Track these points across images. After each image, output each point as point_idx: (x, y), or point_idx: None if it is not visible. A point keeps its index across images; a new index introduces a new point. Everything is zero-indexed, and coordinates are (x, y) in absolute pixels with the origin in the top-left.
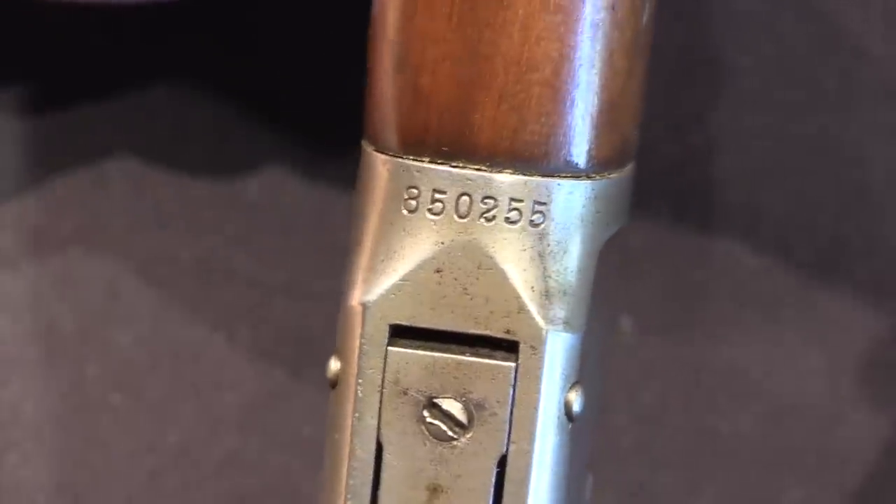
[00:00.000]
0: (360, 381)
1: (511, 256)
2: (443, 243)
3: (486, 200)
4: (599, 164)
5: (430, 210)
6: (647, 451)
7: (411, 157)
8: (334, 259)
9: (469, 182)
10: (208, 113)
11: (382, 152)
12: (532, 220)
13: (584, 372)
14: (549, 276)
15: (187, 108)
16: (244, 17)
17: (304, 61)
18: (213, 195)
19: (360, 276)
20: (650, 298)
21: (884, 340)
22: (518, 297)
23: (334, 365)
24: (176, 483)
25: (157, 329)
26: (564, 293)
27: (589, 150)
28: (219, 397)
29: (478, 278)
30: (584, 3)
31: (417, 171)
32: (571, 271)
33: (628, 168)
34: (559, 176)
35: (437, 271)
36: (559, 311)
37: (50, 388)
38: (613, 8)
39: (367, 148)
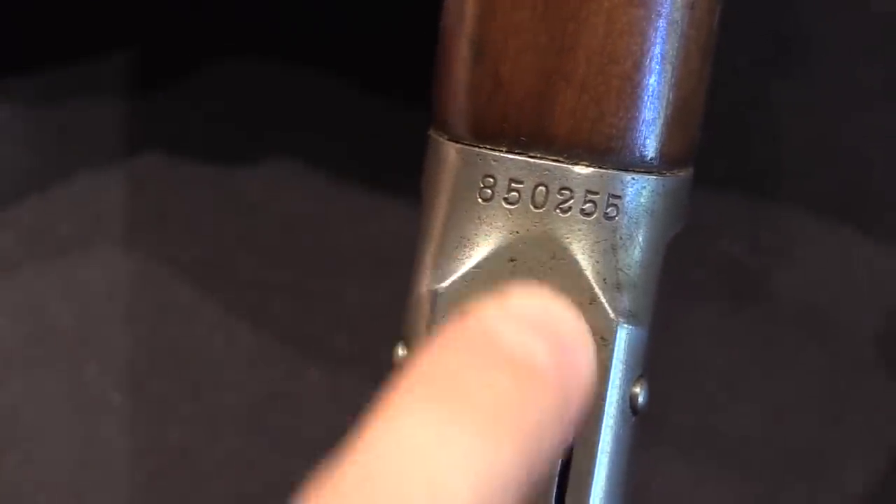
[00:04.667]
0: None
1: (585, 248)
2: (518, 232)
3: (562, 191)
4: (670, 161)
5: (505, 199)
6: (647, 451)
7: (488, 147)
8: (334, 259)
9: (546, 173)
10: (209, 113)
11: (456, 141)
12: (606, 213)
13: (648, 365)
14: (620, 269)
15: (187, 109)
16: (244, 16)
17: (305, 60)
18: (214, 195)
19: (430, 263)
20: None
21: (884, 340)
22: (591, 289)
23: (402, 352)
24: (176, 483)
25: (157, 329)
26: (634, 286)
27: (662, 147)
28: (219, 397)
29: (551, 268)
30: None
31: (494, 161)
32: (640, 265)
33: (691, 169)
34: (633, 170)
35: (511, 260)
36: (628, 304)
37: (50, 388)
38: (692, 7)
39: (439, 137)
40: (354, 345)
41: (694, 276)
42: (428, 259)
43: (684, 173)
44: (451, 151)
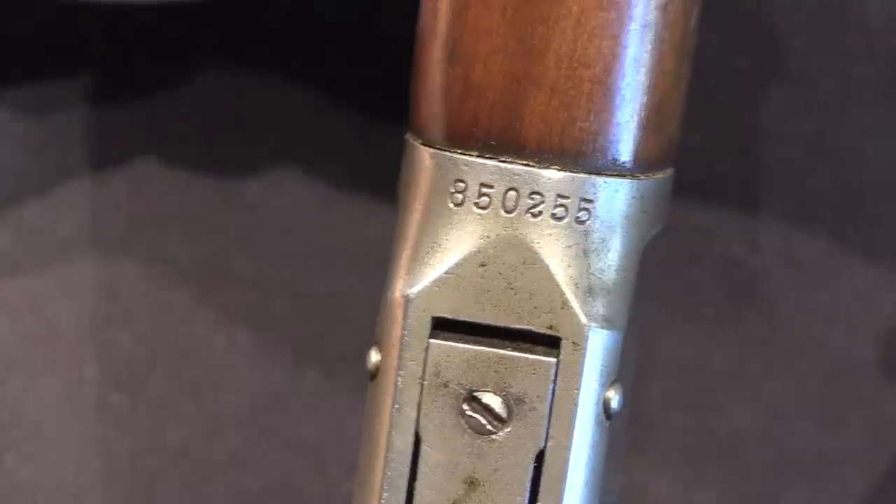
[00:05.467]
0: (400, 372)
1: (556, 252)
2: (488, 237)
3: (532, 196)
4: (645, 164)
5: (476, 204)
6: (647, 452)
7: (459, 151)
8: (334, 259)
9: (517, 177)
10: (209, 114)
11: (429, 146)
12: (578, 217)
13: (623, 370)
14: (593, 274)
15: (187, 109)
16: (244, 16)
17: (306, 61)
18: (214, 196)
19: (403, 269)
20: (650, 298)
21: (883, 340)
22: (562, 294)
23: (374, 356)
24: (176, 483)
25: (157, 329)
26: (608, 291)
27: (635, 150)
28: (219, 397)
29: (522, 273)
30: (637, 2)
31: (465, 165)
32: (615, 269)
33: (670, 171)
34: (605, 174)
35: (482, 265)
36: (601, 309)
37: (50, 388)
38: (665, 8)
39: (414, 141)
40: (354, 345)
41: (694, 277)
42: (402, 263)
43: (661, 175)
44: (424, 156)
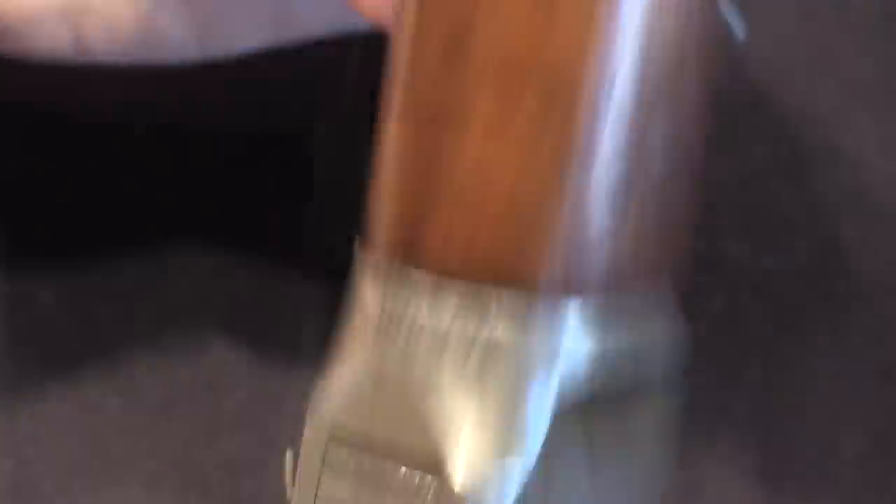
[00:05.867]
0: (298, 481)
1: (453, 374)
2: (385, 357)
3: (433, 313)
4: (559, 290)
5: (377, 317)
6: None
7: (373, 261)
8: (334, 259)
9: (418, 292)
10: (208, 115)
11: (362, 251)
12: (478, 344)
13: (533, 497)
14: (490, 406)
15: (189, 111)
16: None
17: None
18: (214, 196)
19: (320, 377)
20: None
21: (883, 340)
22: (456, 420)
23: (289, 456)
24: (175, 486)
25: (157, 330)
26: (505, 420)
27: (547, 274)
28: (218, 399)
29: (417, 394)
30: (543, 134)
31: (373, 275)
32: (517, 401)
33: (610, 295)
34: (511, 298)
35: (378, 382)
36: (497, 442)
37: (50, 389)
38: (572, 142)
39: (357, 243)
40: None
41: (694, 277)
42: (321, 371)
43: (591, 300)
44: (358, 261)
